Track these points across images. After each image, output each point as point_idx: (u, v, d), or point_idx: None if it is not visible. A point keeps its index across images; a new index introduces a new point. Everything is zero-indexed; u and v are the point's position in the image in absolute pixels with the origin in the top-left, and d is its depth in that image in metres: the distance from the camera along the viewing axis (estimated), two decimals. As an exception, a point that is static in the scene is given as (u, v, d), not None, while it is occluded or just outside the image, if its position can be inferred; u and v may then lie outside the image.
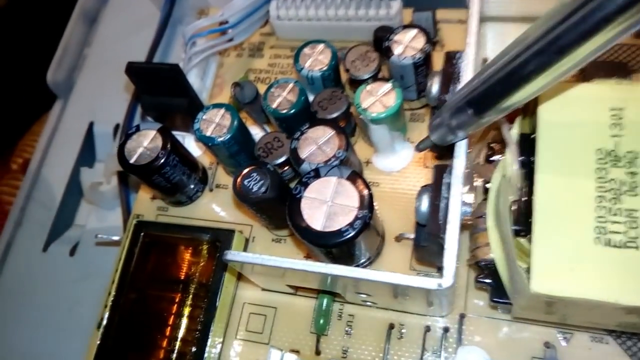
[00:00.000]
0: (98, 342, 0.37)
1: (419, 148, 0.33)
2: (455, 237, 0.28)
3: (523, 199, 0.29)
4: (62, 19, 0.59)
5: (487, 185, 0.33)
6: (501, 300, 0.31)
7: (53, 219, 0.49)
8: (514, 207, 0.29)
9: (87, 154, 0.52)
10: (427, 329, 0.35)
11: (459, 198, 0.28)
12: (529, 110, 0.31)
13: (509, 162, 0.29)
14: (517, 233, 0.29)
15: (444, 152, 0.34)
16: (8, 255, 0.49)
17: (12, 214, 0.51)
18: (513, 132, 0.30)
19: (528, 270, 0.27)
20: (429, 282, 0.27)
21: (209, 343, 0.35)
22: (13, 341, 0.46)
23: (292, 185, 0.34)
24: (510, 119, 0.31)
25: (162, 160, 0.37)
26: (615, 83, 0.30)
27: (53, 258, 0.48)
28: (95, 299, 0.40)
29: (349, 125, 0.39)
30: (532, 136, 0.30)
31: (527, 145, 0.30)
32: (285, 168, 0.38)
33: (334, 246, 0.31)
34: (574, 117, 0.29)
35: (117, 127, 0.52)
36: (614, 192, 0.27)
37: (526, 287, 0.27)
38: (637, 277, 0.26)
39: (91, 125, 0.52)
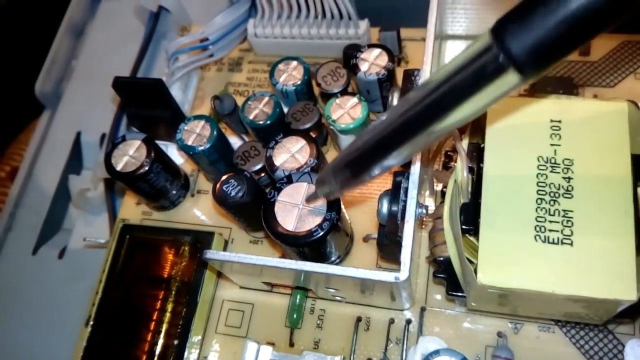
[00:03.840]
0: (86, 338, 0.39)
1: (308, 200, 0.34)
2: (411, 235, 0.31)
3: (472, 201, 0.32)
4: (50, 32, 0.61)
5: (444, 190, 0.36)
6: (456, 294, 0.34)
7: (42, 223, 0.51)
8: (464, 209, 0.32)
9: (74, 162, 0.54)
10: (392, 321, 0.38)
11: (414, 201, 0.32)
12: (479, 121, 0.34)
13: (459, 169, 0.32)
14: (467, 232, 0.32)
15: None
16: (-1, 258, 0.51)
17: (2, 220, 0.52)
18: (463, 143, 0.34)
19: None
20: (388, 276, 0.30)
21: (190, 336, 0.38)
22: (3, 341, 0.48)
23: (267, 190, 0.36)
24: (461, 130, 0.34)
25: (147, 168, 0.39)
26: (555, 98, 0.34)
27: (42, 261, 0.50)
28: (83, 298, 0.42)
29: (320, 136, 0.42)
30: (482, 145, 0.33)
31: (477, 154, 0.33)
32: (262, 175, 0.40)
33: (305, 245, 0.34)
34: (518, 128, 0.33)
35: (103, 136, 0.53)
36: (552, 194, 0.31)
37: (474, 280, 0.30)
38: (572, 270, 0.29)
39: (78, 134, 0.54)
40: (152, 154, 0.40)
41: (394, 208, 0.33)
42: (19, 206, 0.53)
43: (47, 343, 0.46)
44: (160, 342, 0.37)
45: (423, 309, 0.37)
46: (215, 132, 0.40)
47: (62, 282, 0.48)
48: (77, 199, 0.49)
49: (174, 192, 0.43)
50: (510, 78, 0.21)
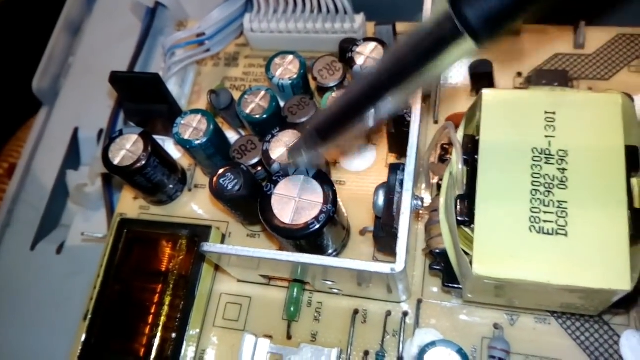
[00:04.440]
0: (84, 331, 0.39)
1: (288, 155, 0.36)
2: (406, 226, 0.31)
3: (468, 193, 0.32)
4: (47, 28, 0.61)
5: (440, 182, 0.36)
6: (453, 285, 0.35)
7: (40, 219, 0.51)
8: (460, 201, 0.32)
9: (72, 158, 0.54)
10: (388, 313, 0.38)
11: (410, 192, 0.32)
12: (473, 114, 0.34)
13: (455, 161, 0.33)
14: (463, 223, 0.32)
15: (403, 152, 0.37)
16: (-3, 254, 0.52)
17: (0, 216, 0.53)
18: (458, 135, 0.34)
19: (472, 256, 0.31)
20: (384, 267, 0.31)
21: (188, 330, 0.38)
22: (2, 335, 0.48)
23: (264, 183, 0.37)
24: (456, 122, 0.35)
25: (144, 162, 0.40)
26: (549, 90, 0.34)
27: (41, 256, 0.50)
28: (82, 293, 0.42)
29: (317, 129, 0.43)
30: (477, 138, 0.33)
31: (472, 146, 0.33)
32: (258, 168, 0.41)
33: (302, 238, 0.34)
34: (513, 119, 0.33)
35: (100, 132, 0.54)
36: (546, 186, 0.31)
37: (470, 271, 0.30)
38: (566, 260, 0.29)
39: (76, 130, 0.55)
40: (149, 148, 0.40)
41: (393, 199, 0.33)
42: (17, 202, 0.53)
43: (46, 338, 0.47)
44: (159, 335, 0.37)
45: (420, 301, 0.38)
46: (211, 126, 0.40)
47: (61, 277, 0.49)
48: (75, 194, 0.49)
49: (171, 186, 0.43)
50: (466, 44, 0.23)
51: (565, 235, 0.30)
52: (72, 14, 0.62)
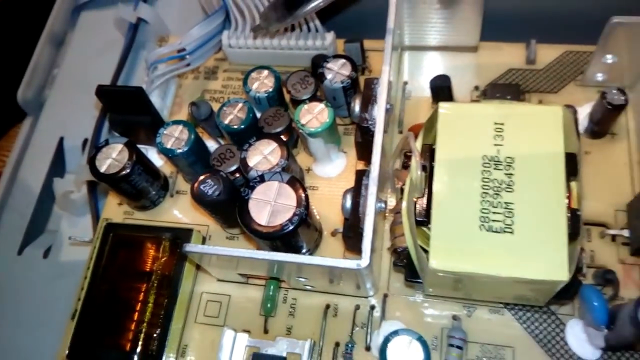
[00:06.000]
0: (73, 328, 0.41)
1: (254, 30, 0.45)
2: (371, 226, 0.34)
3: (425, 196, 0.36)
4: (32, 40, 0.62)
5: (404, 187, 0.40)
6: (414, 280, 0.38)
7: (27, 225, 0.53)
8: (418, 203, 0.36)
9: (58, 166, 0.55)
10: (357, 307, 0.41)
11: (373, 196, 0.35)
12: (431, 125, 0.38)
13: (414, 167, 0.36)
14: (421, 223, 0.35)
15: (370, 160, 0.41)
16: (-15, 259, 0.53)
17: (-12, 222, 0.54)
18: (417, 144, 0.37)
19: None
20: (351, 263, 0.34)
21: (171, 326, 0.41)
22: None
23: (242, 189, 0.39)
24: (417, 132, 0.38)
25: (129, 170, 0.42)
26: (499, 102, 0.38)
27: (28, 260, 0.52)
28: (68, 295, 0.44)
29: (291, 139, 0.46)
30: (434, 146, 0.37)
31: (430, 154, 0.37)
32: (237, 175, 0.43)
33: (277, 239, 0.37)
34: (466, 130, 0.36)
35: (85, 141, 0.56)
36: (495, 189, 0.34)
37: (427, 265, 0.34)
38: (512, 255, 0.32)
39: (61, 139, 0.56)
40: (134, 157, 0.43)
41: (359, 202, 0.36)
42: (4, 209, 0.55)
43: (35, 340, 0.48)
44: (144, 331, 0.40)
45: (385, 296, 0.41)
46: (192, 136, 0.43)
47: (48, 280, 0.50)
48: (61, 200, 0.51)
49: (154, 192, 0.46)
50: None
51: (512, 232, 0.33)
52: (56, 27, 0.63)
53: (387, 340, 0.35)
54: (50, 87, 0.62)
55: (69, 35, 0.64)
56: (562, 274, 0.32)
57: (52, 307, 0.49)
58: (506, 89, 0.45)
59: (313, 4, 0.40)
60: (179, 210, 0.47)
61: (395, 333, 0.36)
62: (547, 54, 0.48)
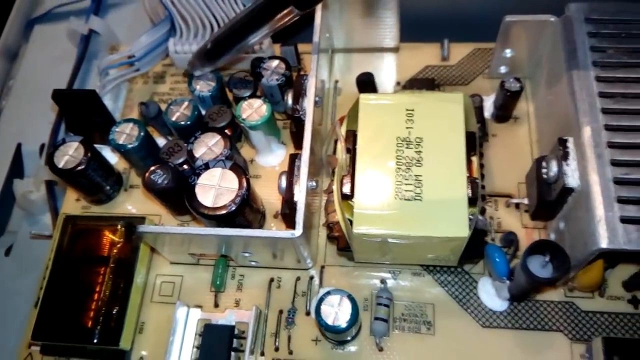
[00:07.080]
0: (36, 313, 0.45)
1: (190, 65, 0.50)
2: (303, 201, 0.39)
3: (350, 174, 0.41)
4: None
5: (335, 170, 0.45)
6: (345, 249, 0.43)
7: (-13, 226, 0.55)
8: (345, 180, 0.41)
9: (16, 171, 0.58)
10: (298, 278, 0.46)
11: (305, 176, 0.40)
12: (355, 113, 0.43)
13: (339, 150, 0.42)
14: (347, 197, 0.40)
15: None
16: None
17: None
18: (342, 130, 0.43)
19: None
20: (286, 233, 0.39)
21: (129, 305, 0.45)
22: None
23: (189, 176, 0.44)
24: (340, 121, 0.44)
25: (85, 165, 0.46)
26: (410, 92, 0.44)
27: (-10, 259, 0.54)
28: (31, 289, 0.47)
29: (235, 133, 0.50)
30: (356, 132, 0.42)
31: (353, 138, 0.42)
32: (185, 166, 0.47)
33: (222, 219, 0.42)
34: (382, 116, 0.42)
35: (42, 146, 0.58)
36: (407, 165, 0.40)
37: (351, 231, 0.39)
38: (421, 218, 0.38)
39: (19, 145, 0.59)
40: (89, 153, 0.46)
41: (290, 182, 0.41)
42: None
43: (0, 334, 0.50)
44: (104, 310, 0.44)
45: (323, 267, 0.46)
46: (142, 132, 0.47)
47: (10, 277, 0.53)
48: (21, 200, 0.54)
49: (109, 187, 0.50)
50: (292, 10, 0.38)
51: (421, 200, 0.39)
52: (9, 41, 0.66)
53: (321, 300, 0.40)
54: (6, 98, 0.64)
55: (23, 48, 0.67)
56: (462, 231, 0.38)
57: (17, 302, 0.51)
58: (423, 83, 0.52)
59: (230, 55, 0.47)
60: (132, 203, 0.51)
61: (327, 293, 0.40)
62: (459, 51, 0.54)
